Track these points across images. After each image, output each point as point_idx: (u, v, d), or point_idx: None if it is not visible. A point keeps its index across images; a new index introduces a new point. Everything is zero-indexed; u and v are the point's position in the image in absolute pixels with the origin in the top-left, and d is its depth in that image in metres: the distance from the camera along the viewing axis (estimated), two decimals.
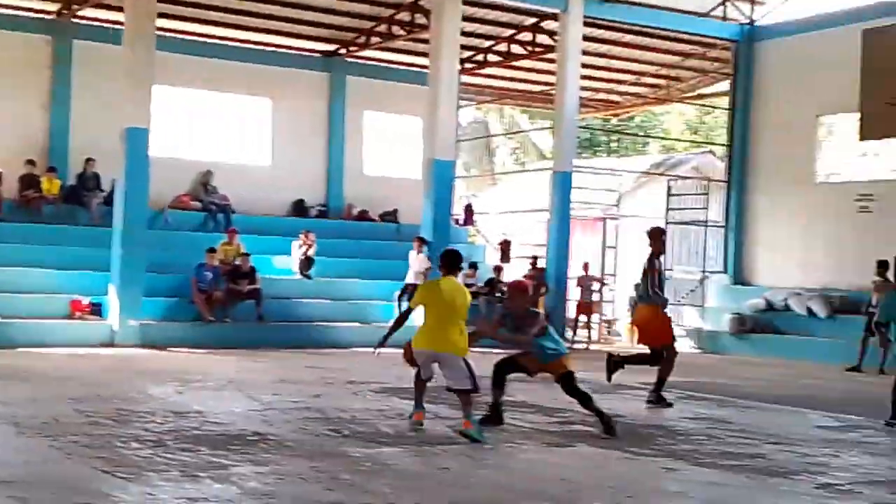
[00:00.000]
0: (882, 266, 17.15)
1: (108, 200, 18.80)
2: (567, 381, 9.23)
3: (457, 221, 24.56)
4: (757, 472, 7.64)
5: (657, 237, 11.83)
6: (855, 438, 9.57)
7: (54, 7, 20.71)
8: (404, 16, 22.28)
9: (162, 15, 18.95)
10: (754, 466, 7.84)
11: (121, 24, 17.83)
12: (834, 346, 18.69)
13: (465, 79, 25.63)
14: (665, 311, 11.68)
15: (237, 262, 18.66)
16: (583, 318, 22.51)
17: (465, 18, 21.30)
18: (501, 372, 9.62)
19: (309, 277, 20.18)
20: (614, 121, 31.48)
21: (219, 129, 23.43)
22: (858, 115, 13.05)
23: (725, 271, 23.17)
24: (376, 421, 9.43)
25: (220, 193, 21.66)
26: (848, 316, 19.20)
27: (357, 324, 19.33)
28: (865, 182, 21.79)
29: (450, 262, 9.06)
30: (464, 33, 21.46)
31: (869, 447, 9.01)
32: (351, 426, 9.06)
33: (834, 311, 19.94)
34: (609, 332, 23.75)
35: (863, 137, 13.81)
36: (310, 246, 20.23)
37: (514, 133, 35.06)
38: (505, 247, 24.16)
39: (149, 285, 17.33)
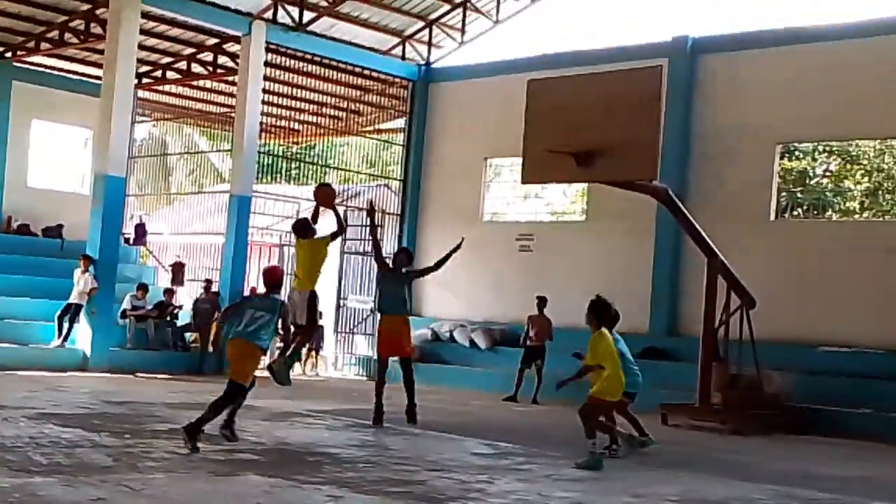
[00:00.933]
0: (541, 301, 18.32)
1: None
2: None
3: (127, 241, 23.72)
4: (417, 498, 7.87)
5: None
6: (509, 465, 10.10)
7: None
8: (79, 24, 21.36)
9: None
10: (415, 493, 8.08)
11: None
12: (493, 376, 19.67)
13: (142, 94, 24.92)
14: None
15: None
16: None
17: (144, 32, 20.76)
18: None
19: None
20: (295, 148, 31.62)
21: None
22: (521, 159, 13.86)
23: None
24: (28, 449, 8.87)
25: None
26: (507, 348, 20.29)
27: (13, 344, 18.21)
28: (526, 223, 23.20)
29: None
30: (142, 47, 20.91)
31: (522, 474, 9.53)
32: None
33: (494, 343, 21.00)
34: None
35: (525, 181, 14.67)
36: None
37: (192, 153, 34.38)
38: (177, 268, 23.59)
39: None
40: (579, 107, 12.99)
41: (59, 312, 18.57)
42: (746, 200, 18.91)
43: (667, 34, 20.36)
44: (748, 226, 18.64)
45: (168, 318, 20.41)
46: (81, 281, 18.56)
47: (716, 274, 15.58)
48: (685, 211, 15.29)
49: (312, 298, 11.81)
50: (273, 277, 10.08)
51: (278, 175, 28.66)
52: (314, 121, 27.48)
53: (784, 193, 19.97)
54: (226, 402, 9.66)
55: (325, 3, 21.42)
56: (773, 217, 19.07)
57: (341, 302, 23.78)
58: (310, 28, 21.77)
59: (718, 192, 19.07)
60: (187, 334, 20.74)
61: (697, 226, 15.38)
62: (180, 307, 21.00)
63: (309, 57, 23.06)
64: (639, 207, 18.70)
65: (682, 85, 19.49)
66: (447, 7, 23.11)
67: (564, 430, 13.17)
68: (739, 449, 12.97)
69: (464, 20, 23.42)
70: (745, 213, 18.82)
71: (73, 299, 18.57)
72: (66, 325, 18.55)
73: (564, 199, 30.24)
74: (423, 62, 23.96)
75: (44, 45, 22.31)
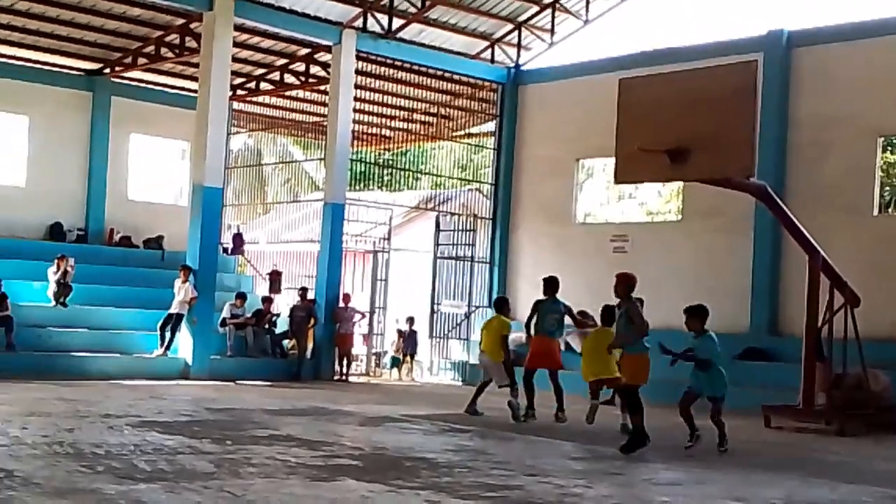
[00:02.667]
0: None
1: None
2: None
3: (225, 250, 24.14)
4: (514, 503, 7.82)
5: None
6: (606, 469, 9.97)
7: None
8: (174, 38, 21.82)
9: None
10: (512, 498, 8.03)
11: None
12: None
13: (237, 105, 25.36)
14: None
15: None
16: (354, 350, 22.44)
17: (238, 45, 21.11)
18: None
19: (65, 305, 19.27)
20: (387, 155, 31.85)
21: None
22: (614, 159, 13.70)
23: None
24: (132, 456, 9.07)
25: None
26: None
27: (117, 354, 18.68)
28: (620, 224, 22.88)
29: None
30: (236, 59, 21.27)
31: (620, 478, 9.40)
32: (105, 461, 8.67)
33: None
34: (378, 365, 23.85)
35: (618, 181, 14.50)
36: (67, 272, 19.31)
37: (286, 162, 34.88)
38: (275, 277, 23.91)
39: None
40: (673, 104, 12.75)
41: (160, 322, 18.98)
42: (848, 195, 18.41)
43: (761, 28, 19.96)
44: (850, 221, 18.14)
45: (266, 326, 20.70)
46: (182, 291, 18.93)
47: (817, 271, 15.17)
48: (784, 207, 14.94)
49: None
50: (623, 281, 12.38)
51: (371, 182, 28.87)
52: (405, 127, 27.63)
53: (887, 187, 19.38)
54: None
55: (414, 10, 21.52)
56: (876, 212, 18.52)
57: (435, 307, 23.84)
58: (399, 35, 21.89)
59: (818, 188, 18.61)
60: (285, 341, 21.00)
61: (797, 222, 15.01)
62: (278, 315, 21.28)
63: (399, 63, 23.21)
64: (736, 205, 18.36)
65: (778, 79, 19.06)
66: (536, 8, 23.02)
67: (662, 433, 12.97)
68: (844, 450, 12.62)
69: (553, 21, 23.29)
70: (847, 207, 18.32)
71: (173, 309, 18.95)
72: (167, 335, 18.94)
73: (659, 199, 29.91)
74: (512, 64, 23.90)
75: (140, 61, 22.85)
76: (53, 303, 19.28)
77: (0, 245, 19.98)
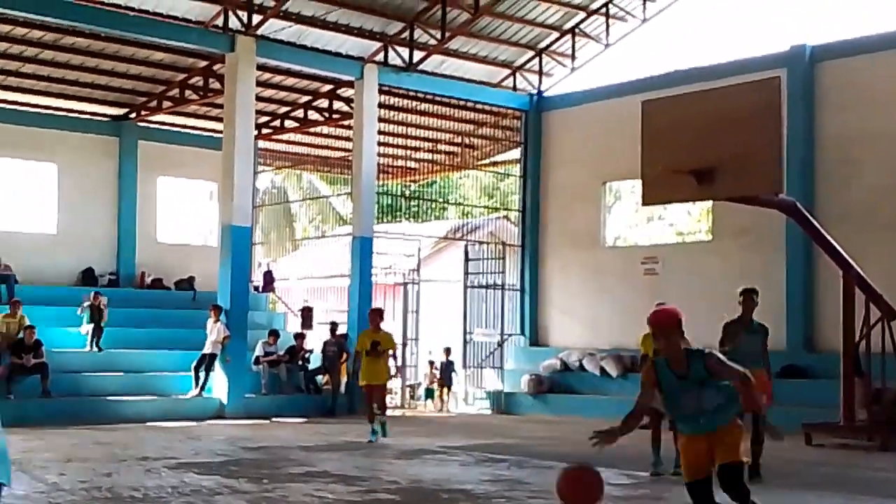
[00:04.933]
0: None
1: None
2: None
3: (256, 288, 24.21)
4: None
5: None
6: (646, 495, 9.86)
7: None
8: (197, 80, 22.03)
9: None
10: None
11: None
12: (626, 404, 19.19)
13: (263, 144, 25.52)
14: None
15: (21, 336, 17.75)
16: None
17: (261, 84, 21.25)
18: None
19: (100, 349, 19.37)
20: (413, 186, 31.95)
21: None
22: (640, 181, 13.65)
23: (522, 333, 23.69)
24: (170, 498, 9.06)
25: (3, 263, 20.58)
26: (638, 374, 19.83)
27: (151, 396, 18.73)
28: (650, 245, 22.71)
29: None
30: (260, 98, 21.41)
31: (659, 503, 9.29)
32: None
33: (625, 370, 20.63)
34: (413, 397, 23.79)
35: (645, 203, 14.44)
36: (101, 311, 19.40)
37: (313, 199, 35.09)
38: (306, 313, 23.94)
39: None
40: (697, 124, 12.70)
41: (194, 363, 19.01)
42: (880, 211, 18.20)
43: (783, 44, 19.88)
44: (883, 234, 17.93)
45: (300, 363, 20.70)
46: (214, 330, 18.98)
47: (852, 286, 14.98)
48: (815, 223, 14.80)
49: None
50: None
51: (398, 214, 28.92)
52: (430, 158, 27.68)
53: None
54: None
55: (434, 42, 21.60)
56: None
57: (468, 337, 23.76)
58: (420, 67, 21.97)
59: (849, 202, 18.43)
60: (318, 377, 20.99)
61: (829, 237, 14.85)
62: (311, 351, 21.28)
63: (421, 95, 23.29)
64: (767, 223, 18.20)
65: (802, 94, 18.96)
66: (556, 35, 23.06)
67: None
68: (888, 466, 12.43)
69: (573, 46, 23.32)
70: (879, 221, 18.12)
71: (207, 349, 18.99)
72: (202, 375, 18.97)
73: (689, 219, 29.76)
74: (534, 91, 23.92)
75: (165, 104, 23.04)
76: (88, 346, 19.36)
77: (33, 292, 20.10)
